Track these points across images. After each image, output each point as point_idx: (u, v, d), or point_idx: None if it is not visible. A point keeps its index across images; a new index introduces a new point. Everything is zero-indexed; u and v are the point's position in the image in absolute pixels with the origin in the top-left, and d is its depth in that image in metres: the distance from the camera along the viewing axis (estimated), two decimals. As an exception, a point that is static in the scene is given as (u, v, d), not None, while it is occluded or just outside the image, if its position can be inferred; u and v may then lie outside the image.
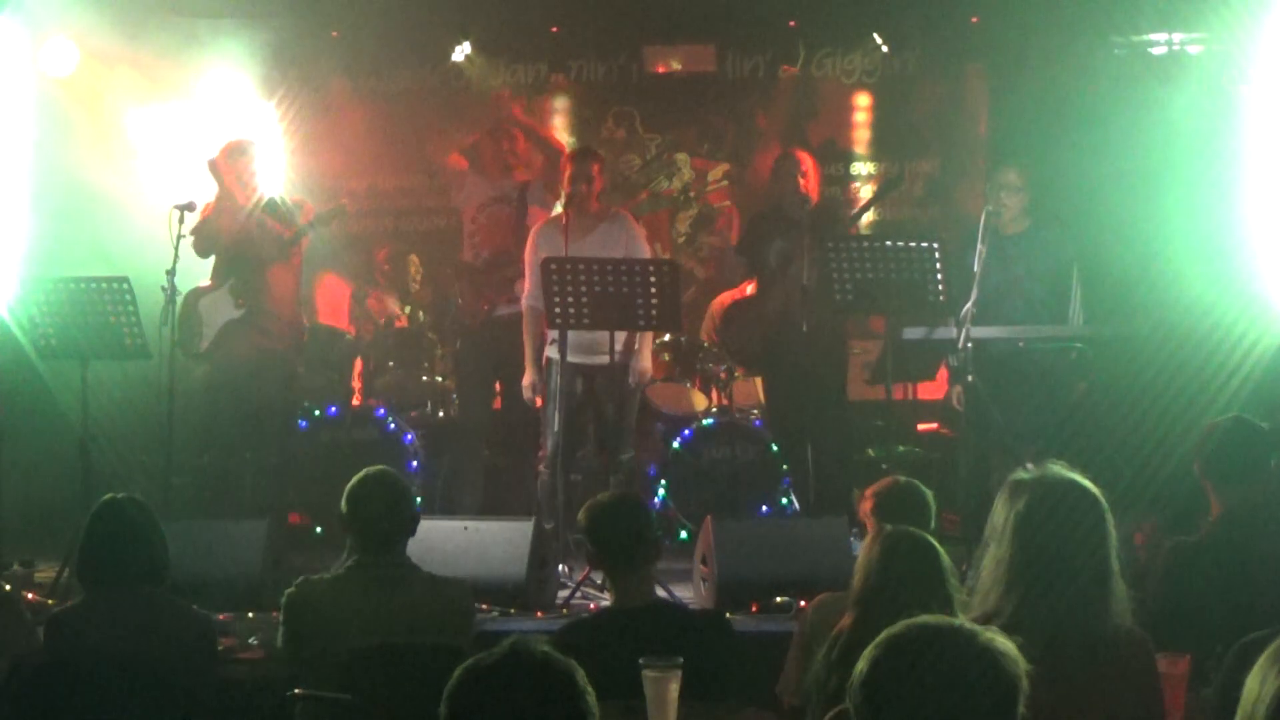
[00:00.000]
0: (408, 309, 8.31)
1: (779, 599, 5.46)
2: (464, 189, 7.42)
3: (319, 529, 7.14)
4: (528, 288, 6.80)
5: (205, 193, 6.86)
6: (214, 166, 6.84)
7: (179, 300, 6.55)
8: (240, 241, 6.78)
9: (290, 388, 7.24)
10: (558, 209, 7.00)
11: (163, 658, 3.78)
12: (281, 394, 7.06)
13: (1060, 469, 3.00)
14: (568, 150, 7.40)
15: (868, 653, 1.96)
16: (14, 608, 4.28)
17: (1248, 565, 4.07)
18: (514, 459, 7.38)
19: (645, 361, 6.79)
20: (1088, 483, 2.97)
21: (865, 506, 4.05)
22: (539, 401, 6.83)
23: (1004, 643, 1.95)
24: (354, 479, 4.02)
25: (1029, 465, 3.02)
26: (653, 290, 6.02)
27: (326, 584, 3.92)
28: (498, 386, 7.35)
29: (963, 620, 2.07)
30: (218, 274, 6.90)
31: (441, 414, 7.98)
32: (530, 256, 6.79)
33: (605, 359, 6.49)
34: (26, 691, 3.38)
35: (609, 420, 6.69)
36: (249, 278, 6.82)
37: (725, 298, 8.19)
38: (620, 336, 6.28)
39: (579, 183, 6.65)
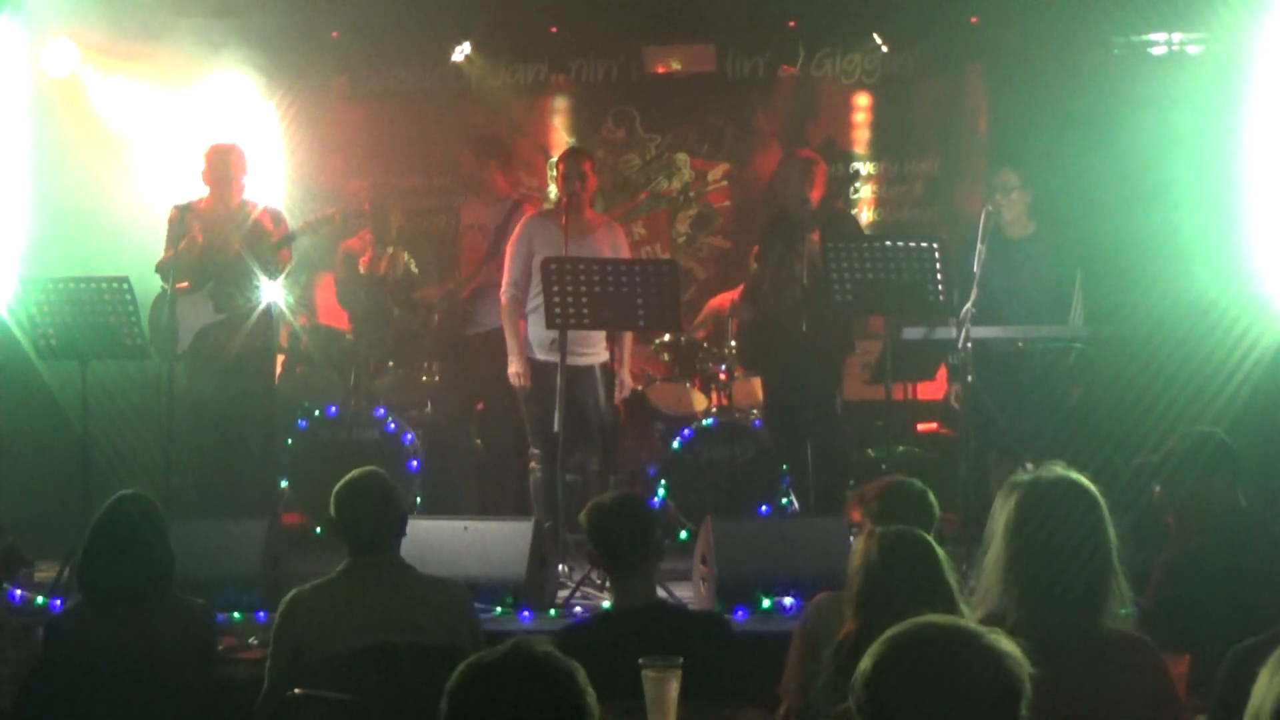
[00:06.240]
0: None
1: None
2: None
3: (319, 529, 7.12)
4: (507, 276, 6.76)
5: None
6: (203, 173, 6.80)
7: (151, 302, 6.53)
8: (224, 248, 6.71)
9: (274, 387, 7.20)
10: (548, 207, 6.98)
11: (160, 658, 3.77)
12: (266, 393, 7.02)
13: (1059, 468, 2.99)
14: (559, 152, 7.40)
15: (872, 650, 1.96)
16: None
17: (1247, 568, 4.07)
18: (504, 458, 7.36)
19: (627, 376, 6.80)
20: (1086, 481, 2.96)
21: (858, 509, 3.95)
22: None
23: (1008, 644, 1.95)
24: (341, 482, 4.00)
25: (1028, 466, 3.01)
26: (652, 290, 6.03)
27: (318, 590, 3.89)
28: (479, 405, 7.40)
29: (967, 621, 2.07)
30: (194, 277, 6.69)
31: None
32: (517, 247, 6.74)
33: (586, 359, 6.55)
34: (28, 697, 3.38)
35: (589, 421, 6.69)
36: (231, 280, 6.74)
37: (725, 299, 8.19)
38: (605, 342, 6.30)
39: (573, 181, 6.63)
